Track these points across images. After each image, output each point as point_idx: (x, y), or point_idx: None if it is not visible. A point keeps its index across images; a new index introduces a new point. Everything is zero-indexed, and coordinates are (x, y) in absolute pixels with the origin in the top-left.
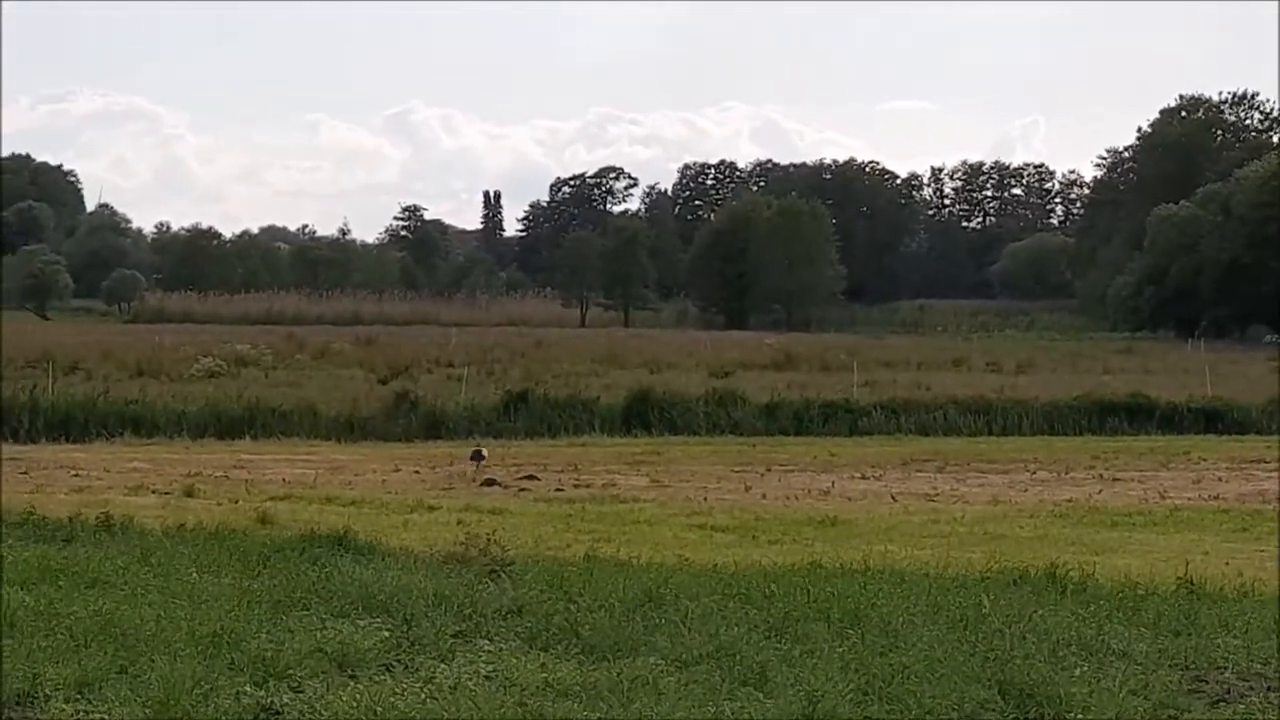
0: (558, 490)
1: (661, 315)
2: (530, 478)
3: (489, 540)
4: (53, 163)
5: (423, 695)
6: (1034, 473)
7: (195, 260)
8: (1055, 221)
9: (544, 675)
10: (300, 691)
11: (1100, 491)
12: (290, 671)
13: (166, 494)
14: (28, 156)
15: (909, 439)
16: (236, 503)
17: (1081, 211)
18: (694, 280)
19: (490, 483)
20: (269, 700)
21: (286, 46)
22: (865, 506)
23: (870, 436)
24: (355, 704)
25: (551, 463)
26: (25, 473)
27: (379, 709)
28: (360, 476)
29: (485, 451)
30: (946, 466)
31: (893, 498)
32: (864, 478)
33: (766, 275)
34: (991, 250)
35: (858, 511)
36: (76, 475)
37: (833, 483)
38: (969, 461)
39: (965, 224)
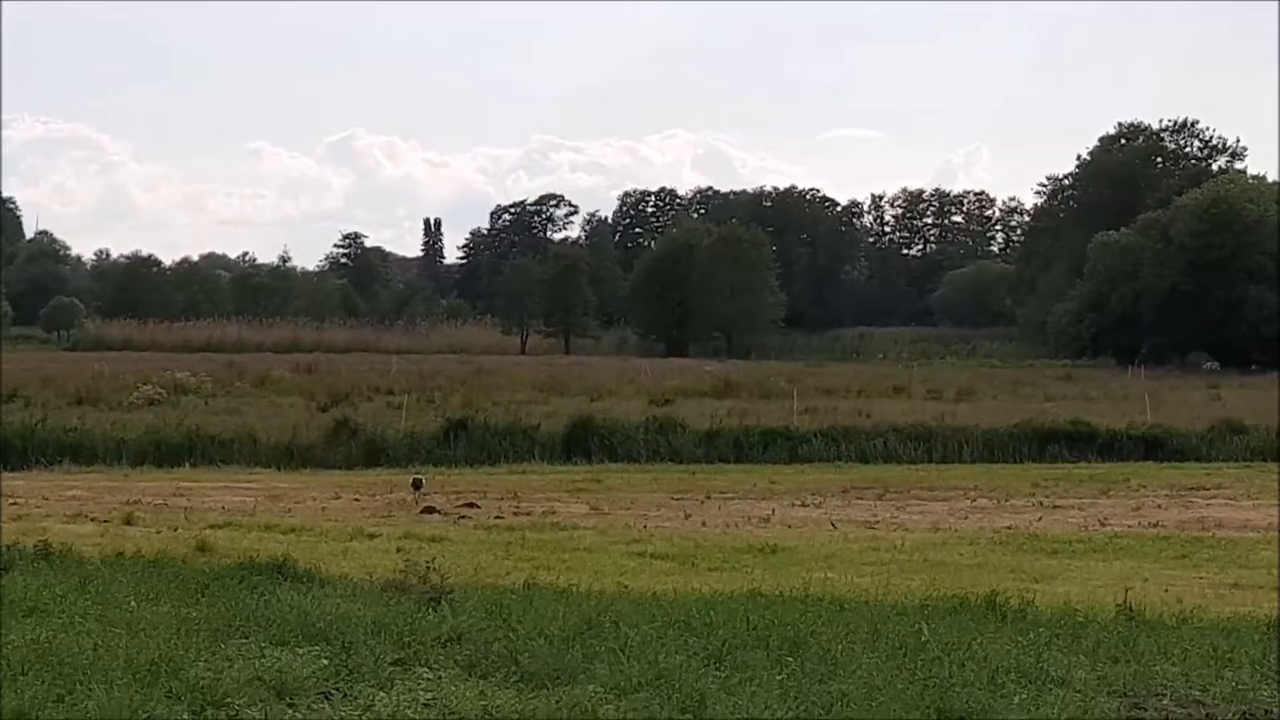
0: (498, 518)
1: (602, 343)
2: (470, 505)
3: (428, 568)
4: None
5: None
6: (974, 500)
7: (135, 288)
8: (996, 249)
9: (483, 703)
10: None
11: (1040, 519)
12: (229, 700)
13: (105, 522)
14: None
15: (849, 466)
16: (175, 531)
17: (1022, 239)
18: (634, 308)
19: (430, 510)
20: None
21: (230, 73)
22: (805, 534)
23: (810, 464)
24: None
25: (491, 490)
26: None
27: None
28: (300, 504)
29: (424, 479)
30: (887, 494)
31: (833, 525)
32: (804, 505)
33: (707, 303)
34: (932, 278)
35: (798, 539)
36: (14, 504)
37: (773, 510)
38: (909, 489)
39: (906, 251)
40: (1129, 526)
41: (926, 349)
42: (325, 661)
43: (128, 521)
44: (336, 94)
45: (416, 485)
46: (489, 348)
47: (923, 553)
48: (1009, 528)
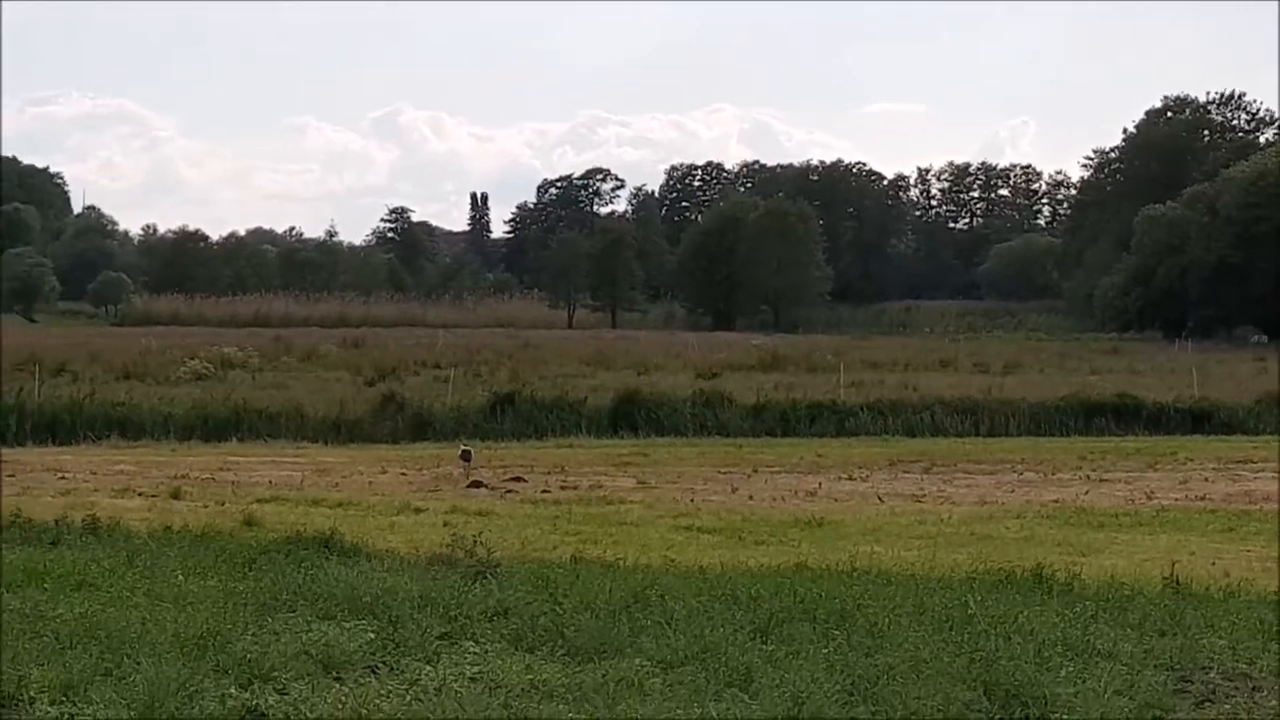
0: (544, 492)
1: (649, 316)
2: (517, 479)
3: (475, 542)
4: (39, 165)
5: (408, 697)
6: (1021, 473)
7: (182, 263)
8: (1042, 222)
9: (529, 677)
10: (285, 693)
11: (1087, 492)
12: (275, 673)
13: (153, 496)
14: (14, 159)
15: (896, 440)
16: (223, 505)
17: (1068, 212)
18: (681, 281)
19: (477, 484)
20: (254, 702)
21: (275, 49)
22: (852, 507)
23: (857, 437)
24: (340, 706)
25: (538, 464)
26: (12, 475)
27: (364, 711)
28: (347, 478)
29: (472, 450)
30: (933, 467)
31: (879, 498)
32: (851, 479)
33: (753, 276)
34: (978, 251)
35: (844, 512)
36: (63, 478)
37: (819, 484)
38: (956, 462)
39: (952, 225)
40: (1176, 500)
41: (973, 322)
42: (372, 635)
43: (175, 496)
44: (382, 68)
45: (465, 456)
46: (535, 322)
47: (969, 526)
48: (1056, 501)
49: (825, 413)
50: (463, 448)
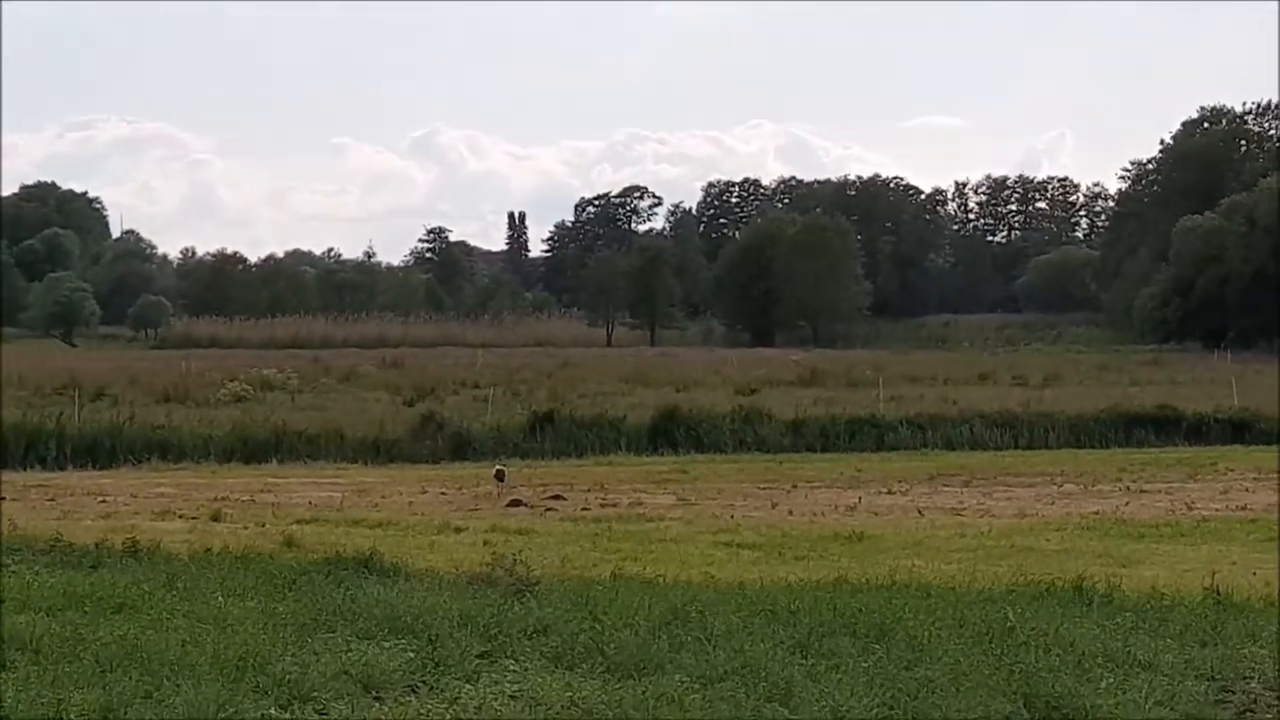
0: (584, 510)
1: (688, 334)
2: (557, 497)
3: (515, 560)
4: (78, 190)
5: (448, 716)
6: (1060, 486)
7: (221, 285)
8: (1080, 234)
9: (569, 694)
10: (325, 714)
11: (1127, 503)
12: (315, 694)
13: (193, 519)
14: (53, 184)
15: (935, 454)
16: (263, 526)
17: (1106, 224)
18: (720, 298)
19: (516, 503)
20: None
21: (313, 70)
22: (892, 522)
23: (897, 452)
24: None
25: (578, 482)
26: (52, 499)
27: None
28: (386, 499)
29: (505, 470)
30: (973, 481)
31: (919, 512)
32: (890, 493)
33: (792, 292)
34: (1017, 264)
35: (884, 527)
36: (103, 501)
37: (859, 498)
38: (995, 475)
39: (990, 239)
40: (1217, 510)
41: (1012, 335)
42: (411, 655)
43: (215, 518)
44: (419, 89)
45: (499, 476)
46: (575, 340)
47: (1009, 539)
48: (1096, 513)
49: (865, 427)
50: (497, 467)
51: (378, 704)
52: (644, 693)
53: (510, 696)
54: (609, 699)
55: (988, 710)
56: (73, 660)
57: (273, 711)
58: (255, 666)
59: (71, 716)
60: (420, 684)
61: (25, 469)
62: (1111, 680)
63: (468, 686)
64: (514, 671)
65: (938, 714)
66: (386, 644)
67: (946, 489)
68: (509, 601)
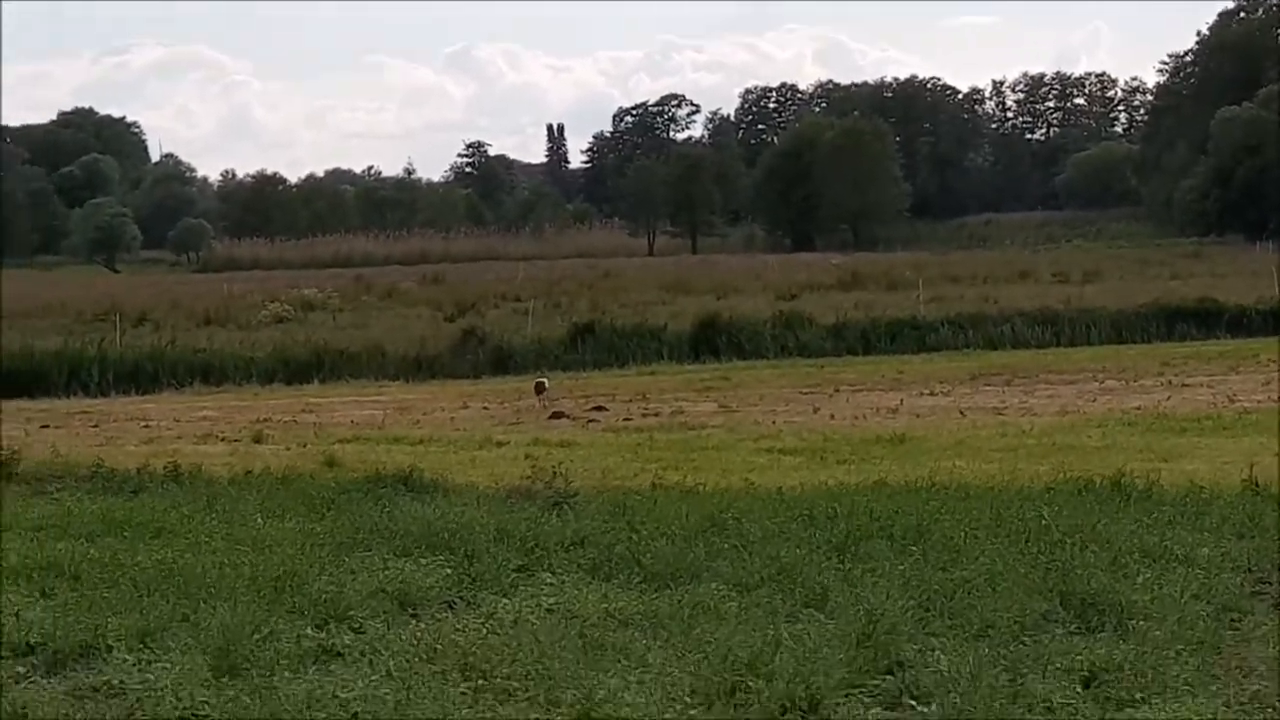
0: (626, 420)
1: (729, 240)
2: (599, 408)
3: (554, 473)
4: (116, 115)
5: (484, 630)
6: (1102, 382)
7: (261, 207)
8: (1119, 129)
9: (605, 605)
10: (361, 632)
11: (1169, 398)
12: (351, 612)
13: (235, 441)
14: (91, 110)
15: (976, 353)
16: (304, 447)
17: (1145, 118)
18: (759, 204)
19: (558, 415)
20: (330, 642)
21: None
22: (933, 423)
23: (938, 353)
24: (415, 642)
25: (620, 393)
26: (95, 425)
27: (439, 646)
28: (428, 415)
29: (547, 382)
30: (1014, 379)
31: (961, 413)
32: (932, 394)
33: (831, 196)
34: (1056, 161)
35: (926, 428)
36: (146, 426)
37: (901, 400)
38: (1037, 373)
39: (1029, 136)
40: (1258, 402)
41: (1053, 233)
42: (448, 570)
43: (257, 440)
44: (454, 3)
45: (539, 389)
46: (616, 250)
47: (1051, 437)
48: (1137, 408)
49: (905, 329)
50: (538, 379)
51: (414, 620)
52: (680, 601)
53: (547, 609)
54: (645, 608)
55: (1024, 608)
56: (111, 585)
57: (309, 631)
58: (292, 587)
59: (109, 641)
60: (457, 599)
61: (68, 396)
62: (1148, 575)
63: (504, 600)
64: (551, 584)
65: (973, 614)
66: (424, 560)
67: (988, 389)
68: (546, 515)
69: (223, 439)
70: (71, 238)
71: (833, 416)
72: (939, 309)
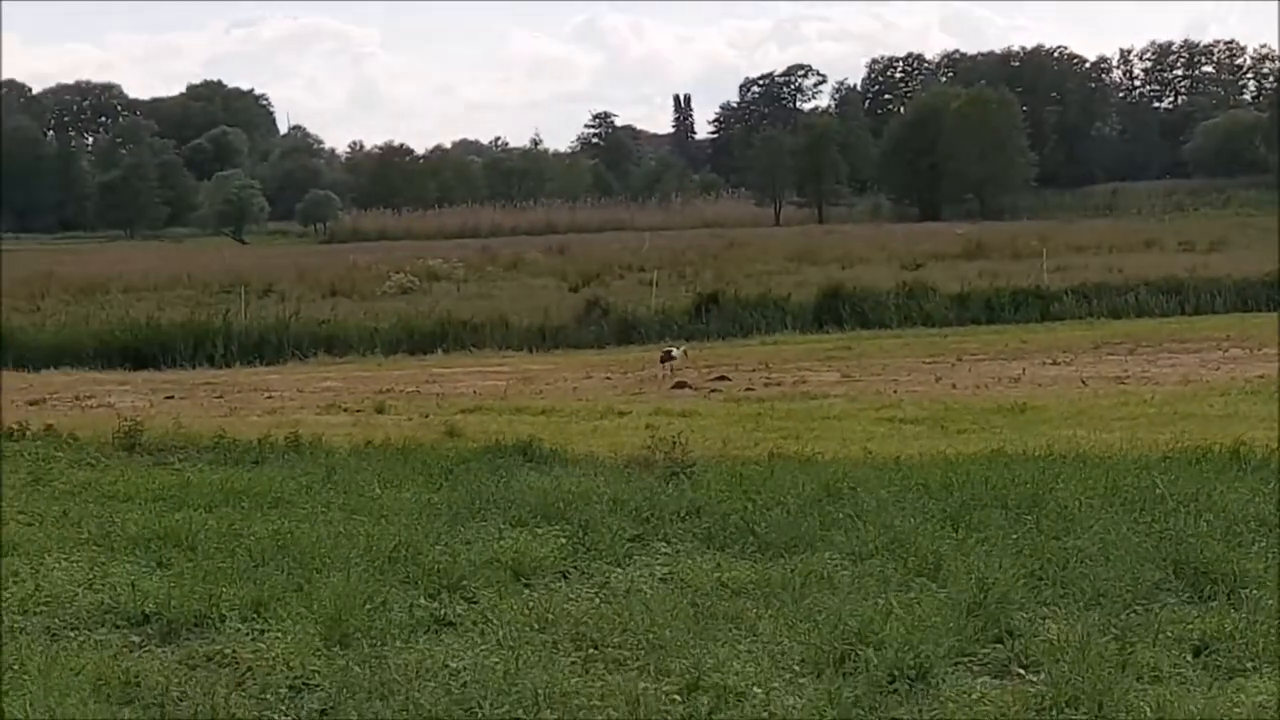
0: (748, 390)
1: (855, 210)
2: (721, 378)
3: (674, 443)
4: (245, 87)
5: (596, 600)
6: (1226, 351)
7: (389, 178)
8: (1248, 97)
9: (718, 575)
10: (474, 602)
11: None
12: (465, 582)
13: (358, 412)
14: (219, 83)
15: (1100, 323)
16: (427, 417)
17: (1274, 86)
18: (886, 174)
19: (681, 385)
20: (442, 611)
21: None
22: (1055, 392)
23: (1061, 322)
24: (527, 612)
25: (743, 363)
26: (220, 396)
27: (550, 615)
28: (551, 385)
29: (676, 351)
30: (1138, 348)
31: (1083, 382)
32: (1054, 363)
33: (957, 166)
34: (1184, 130)
35: (1047, 397)
36: (269, 397)
37: (1023, 370)
38: (1160, 342)
39: (1156, 105)
40: None
41: (1180, 201)
42: (563, 540)
43: (379, 410)
44: None
45: (666, 357)
46: (742, 221)
47: (1172, 405)
48: (1261, 376)
49: (1029, 298)
50: (665, 349)
51: (527, 590)
52: (793, 571)
53: (660, 579)
54: (758, 578)
55: (1137, 577)
56: (227, 556)
57: (421, 600)
58: (406, 557)
59: (223, 610)
60: (571, 569)
61: (194, 367)
62: (1262, 544)
63: (618, 570)
64: (665, 554)
65: (1085, 583)
66: (539, 530)
67: (1111, 358)
68: (663, 484)
69: (345, 409)
70: (200, 210)
71: (954, 386)
72: (1063, 278)
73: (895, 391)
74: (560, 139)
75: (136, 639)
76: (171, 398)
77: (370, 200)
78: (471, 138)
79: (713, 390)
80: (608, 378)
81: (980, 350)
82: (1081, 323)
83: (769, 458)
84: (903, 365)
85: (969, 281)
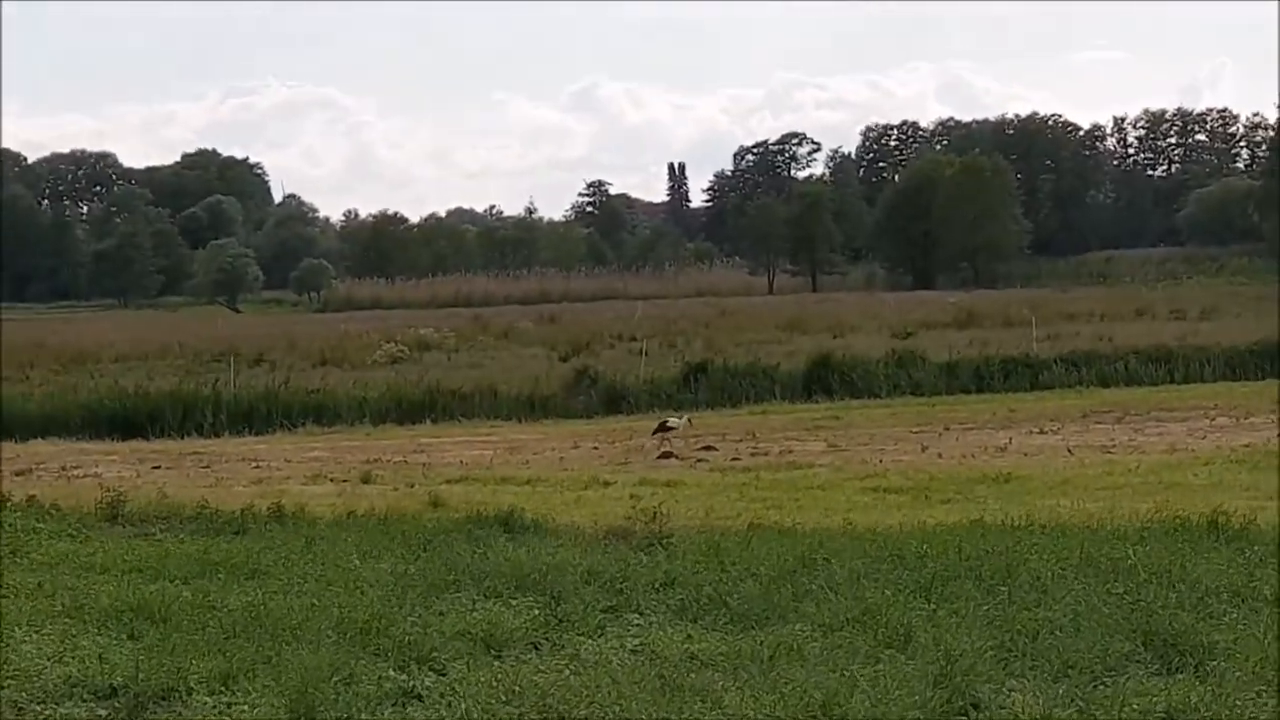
0: (734, 459)
1: (849, 278)
2: (708, 448)
3: (655, 514)
4: (240, 156)
5: (566, 671)
6: (1213, 419)
7: (382, 246)
8: (1241, 165)
9: (688, 646)
10: (444, 674)
11: None
12: (435, 654)
13: (344, 481)
14: (214, 151)
15: (1090, 391)
16: (412, 487)
17: (1267, 154)
18: (880, 242)
19: (668, 455)
20: (410, 684)
21: (470, 26)
22: (1041, 461)
23: (1051, 390)
24: (496, 684)
25: (731, 432)
26: (206, 466)
27: (518, 688)
28: (538, 455)
29: (674, 421)
30: (1126, 417)
31: (1069, 451)
32: (1042, 432)
33: (951, 233)
34: (1178, 197)
35: (1033, 467)
36: (257, 467)
37: (1010, 439)
38: (1149, 411)
39: (1150, 173)
40: None
41: (1174, 269)
42: (536, 612)
43: (365, 480)
44: (578, 42)
45: (663, 428)
46: (736, 289)
47: (1158, 475)
48: (1247, 445)
49: (1019, 367)
50: (662, 420)
51: (497, 662)
52: (762, 643)
53: (631, 651)
54: (728, 649)
55: (1106, 649)
56: (199, 628)
57: (390, 672)
58: (378, 629)
59: (191, 683)
60: (543, 640)
61: (182, 436)
62: (1234, 615)
63: (589, 641)
64: (638, 625)
65: (1055, 654)
66: (513, 602)
67: (1099, 426)
68: (639, 555)
69: (331, 479)
70: (195, 279)
71: (940, 455)
72: (1053, 346)
73: (881, 461)
74: (555, 207)
75: (103, 712)
76: (158, 467)
77: (364, 269)
78: (467, 206)
79: (699, 460)
80: (595, 447)
81: (968, 419)
82: (1071, 391)
83: (748, 528)
84: (890, 434)
85: (959, 350)
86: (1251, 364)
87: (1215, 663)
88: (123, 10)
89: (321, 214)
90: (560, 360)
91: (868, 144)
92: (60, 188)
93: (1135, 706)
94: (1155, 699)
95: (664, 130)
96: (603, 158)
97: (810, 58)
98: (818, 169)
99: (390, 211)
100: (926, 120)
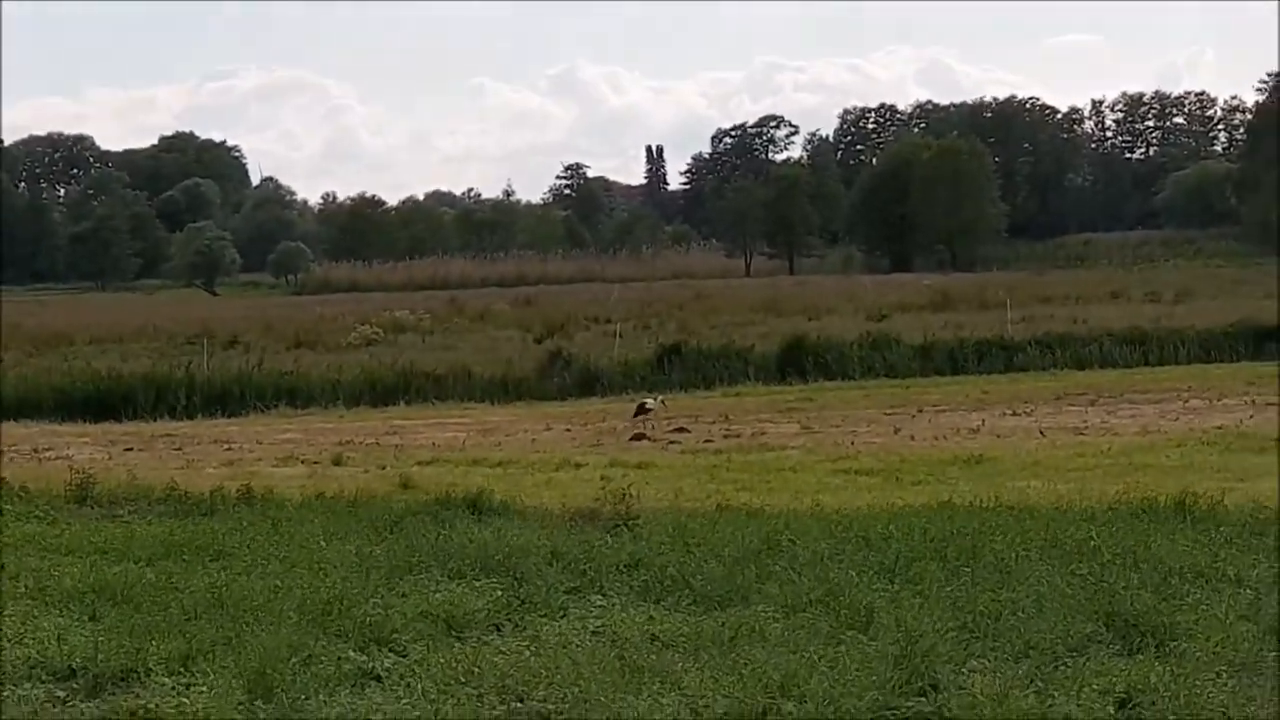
0: (707, 441)
1: (826, 261)
2: (680, 430)
3: (623, 496)
4: (218, 140)
5: (526, 653)
6: (1186, 401)
7: (360, 229)
8: (1219, 148)
9: (650, 628)
10: (404, 655)
11: (1251, 417)
12: (396, 635)
13: (315, 463)
14: (192, 135)
15: (1063, 373)
16: (383, 469)
17: (1244, 137)
18: (857, 225)
19: (640, 437)
20: (370, 665)
21: (450, 11)
22: (1013, 443)
23: (1025, 373)
24: (455, 665)
25: (704, 414)
26: (178, 449)
27: (478, 668)
28: (510, 437)
29: (651, 402)
30: (1099, 399)
31: (1041, 433)
32: (1015, 414)
33: (928, 216)
34: (1156, 181)
35: (1005, 448)
36: (228, 449)
37: (982, 421)
38: (1122, 393)
39: (1128, 156)
40: None
41: (1151, 252)
42: (499, 593)
43: (337, 462)
44: (558, 26)
45: (640, 411)
46: (713, 272)
47: (1129, 456)
48: (1219, 427)
49: (993, 349)
50: (640, 402)
51: (458, 643)
52: (724, 624)
53: (593, 632)
54: (689, 630)
55: (1068, 629)
56: (161, 609)
57: (350, 654)
58: (340, 610)
59: (150, 664)
60: (505, 621)
61: (155, 419)
62: (1196, 595)
63: (551, 623)
64: (600, 606)
65: (1016, 635)
66: (477, 583)
67: (1072, 408)
68: (605, 537)
69: (303, 461)
70: (172, 262)
71: (913, 437)
72: (1027, 329)
73: (853, 443)
74: (533, 191)
75: (61, 693)
76: (130, 449)
77: (342, 252)
78: (446, 189)
79: (671, 442)
80: (567, 429)
81: (942, 401)
82: (1044, 374)
83: (716, 510)
84: (863, 416)
85: (934, 332)
86: (1226, 346)
87: (1176, 643)
88: None
89: (299, 197)
90: (535, 342)
91: (845, 127)
92: (37, 170)
93: (1095, 686)
94: (1115, 679)
95: (643, 114)
96: (582, 141)
97: (790, 41)
98: (796, 152)
99: (368, 194)
100: (905, 103)
